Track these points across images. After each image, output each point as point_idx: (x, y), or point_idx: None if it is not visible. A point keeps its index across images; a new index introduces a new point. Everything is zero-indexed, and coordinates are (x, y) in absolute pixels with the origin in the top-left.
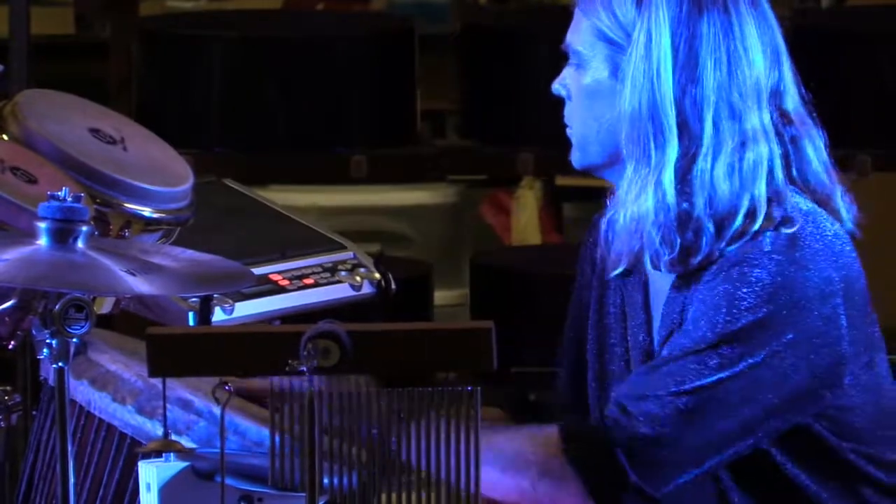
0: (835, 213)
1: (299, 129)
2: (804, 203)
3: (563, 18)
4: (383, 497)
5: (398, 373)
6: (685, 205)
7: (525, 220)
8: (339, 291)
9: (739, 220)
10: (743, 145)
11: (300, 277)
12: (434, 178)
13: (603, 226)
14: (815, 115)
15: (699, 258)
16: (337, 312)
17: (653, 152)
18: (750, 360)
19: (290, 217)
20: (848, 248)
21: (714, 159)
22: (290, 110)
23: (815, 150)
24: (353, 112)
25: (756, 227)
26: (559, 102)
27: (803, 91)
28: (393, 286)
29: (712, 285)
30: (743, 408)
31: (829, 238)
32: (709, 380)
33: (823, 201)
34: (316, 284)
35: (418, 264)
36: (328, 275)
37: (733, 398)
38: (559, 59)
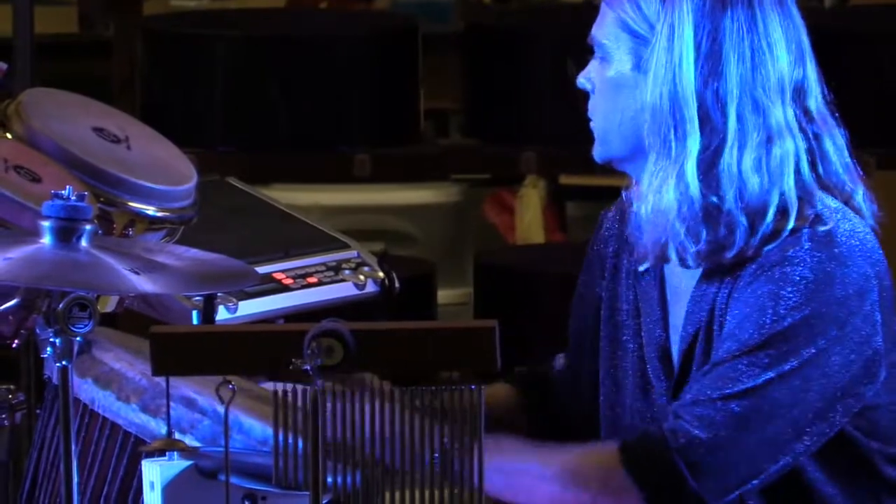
0: (856, 212)
1: (303, 128)
2: (832, 201)
3: (566, 18)
4: (387, 496)
5: (402, 372)
6: (714, 198)
7: (528, 219)
8: (342, 290)
9: (771, 215)
10: (769, 140)
11: (304, 276)
12: (437, 178)
13: (630, 219)
14: (836, 114)
15: (733, 252)
16: (340, 311)
17: (673, 144)
18: (798, 359)
19: (293, 216)
20: (877, 245)
21: (741, 152)
22: (293, 109)
23: (837, 150)
24: (356, 111)
25: (790, 224)
26: (562, 101)
27: (825, 90)
28: (397, 285)
29: (754, 287)
30: (793, 409)
31: (861, 235)
32: (760, 380)
33: (845, 199)
34: (319, 283)
35: (422, 263)
36: (332, 273)
37: (784, 398)
38: (562, 58)
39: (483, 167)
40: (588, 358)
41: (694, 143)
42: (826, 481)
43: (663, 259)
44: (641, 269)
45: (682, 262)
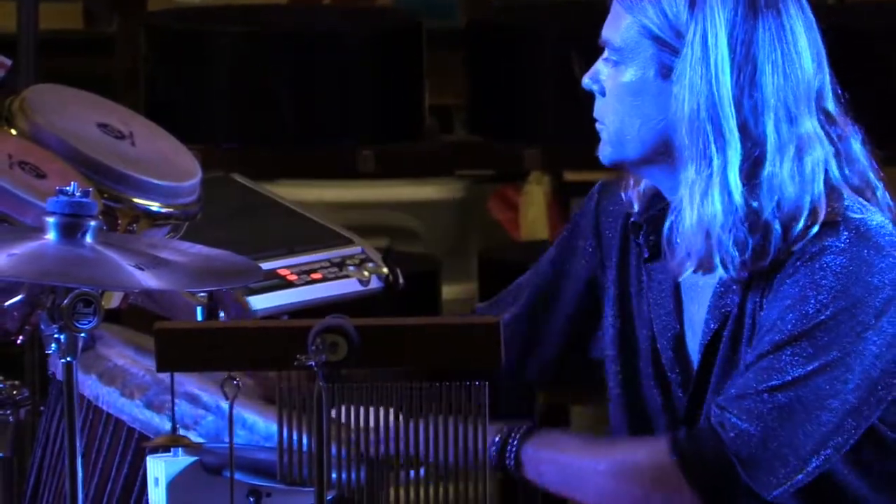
0: (878, 208)
1: (307, 124)
2: (856, 199)
3: (570, 14)
4: (391, 491)
5: (406, 367)
6: (755, 204)
7: (533, 215)
8: (346, 286)
9: (803, 220)
10: (801, 149)
11: (308, 272)
12: (441, 174)
13: (665, 230)
14: (850, 114)
15: (768, 260)
16: (345, 307)
17: (714, 154)
18: (841, 349)
19: (297, 212)
20: None
21: (781, 162)
22: (297, 105)
23: (860, 149)
24: (360, 107)
25: (821, 218)
26: (567, 98)
27: (839, 91)
28: (401, 281)
29: (795, 278)
30: (834, 399)
31: (891, 228)
32: (805, 370)
33: (867, 199)
34: (324, 279)
35: (426, 259)
36: (336, 269)
37: (827, 389)
38: (567, 54)
39: (487, 163)
40: (544, 315)
41: (734, 153)
42: (853, 475)
43: (707, 268)
44: (681, 278)
45: (726, 271)
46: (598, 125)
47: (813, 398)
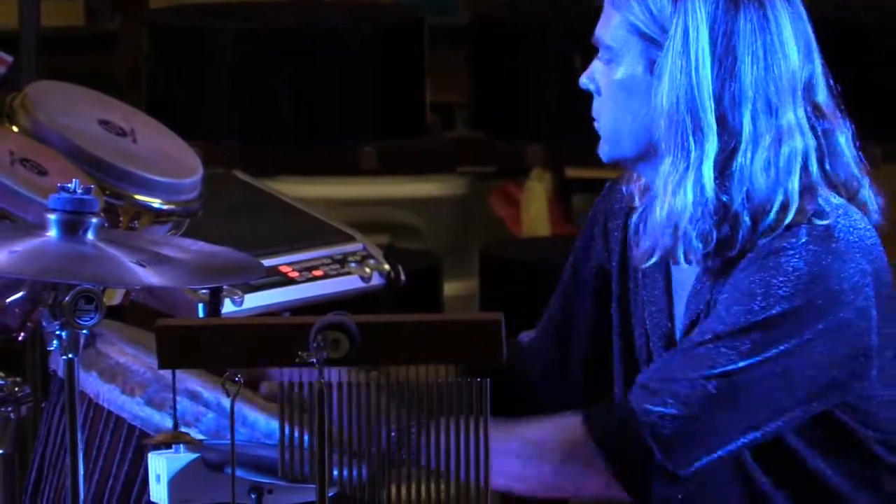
0: (862, 206)
1: (309, 121)
2: (834, 197)
3: (572, 10)
4: (392, 489)
5: (407, 365)
6: (724, 198)
7: (534, 211)
8: (348, 283)
9: (773, 213)
10: (779, 140)
11: (309, 269)
12: (443, 170)
13: (634, 217)
14: (842, 107)
15: (735, 251)
16: (346, 304)
17: (692, 147)
18: (781, 348)
19: (299, 209)
20: (877, 242)
21: (753, 154)
22: (299, 102)
23: (847, 144)
24: (362, 104)
25: (789, 219)
26: (569, 95)
27: (832, 83)
28: (402, 278)
29: (747, 273)
30: (771, 394)
31: (861, 231)
32: (740, 364)
33: (852, 194)
34: (325, 276)
35: (428, 256)
36: (337, 266)
37: (762, 384)
38: (569, 50)
39: (489, 160)
40: (571, 314)
41: (711, 146)
42: (824, 464)
43: (670, 259)
44: (644, 265)
45: (688, 262)
46: (595, 124)
47: (744, 391)
